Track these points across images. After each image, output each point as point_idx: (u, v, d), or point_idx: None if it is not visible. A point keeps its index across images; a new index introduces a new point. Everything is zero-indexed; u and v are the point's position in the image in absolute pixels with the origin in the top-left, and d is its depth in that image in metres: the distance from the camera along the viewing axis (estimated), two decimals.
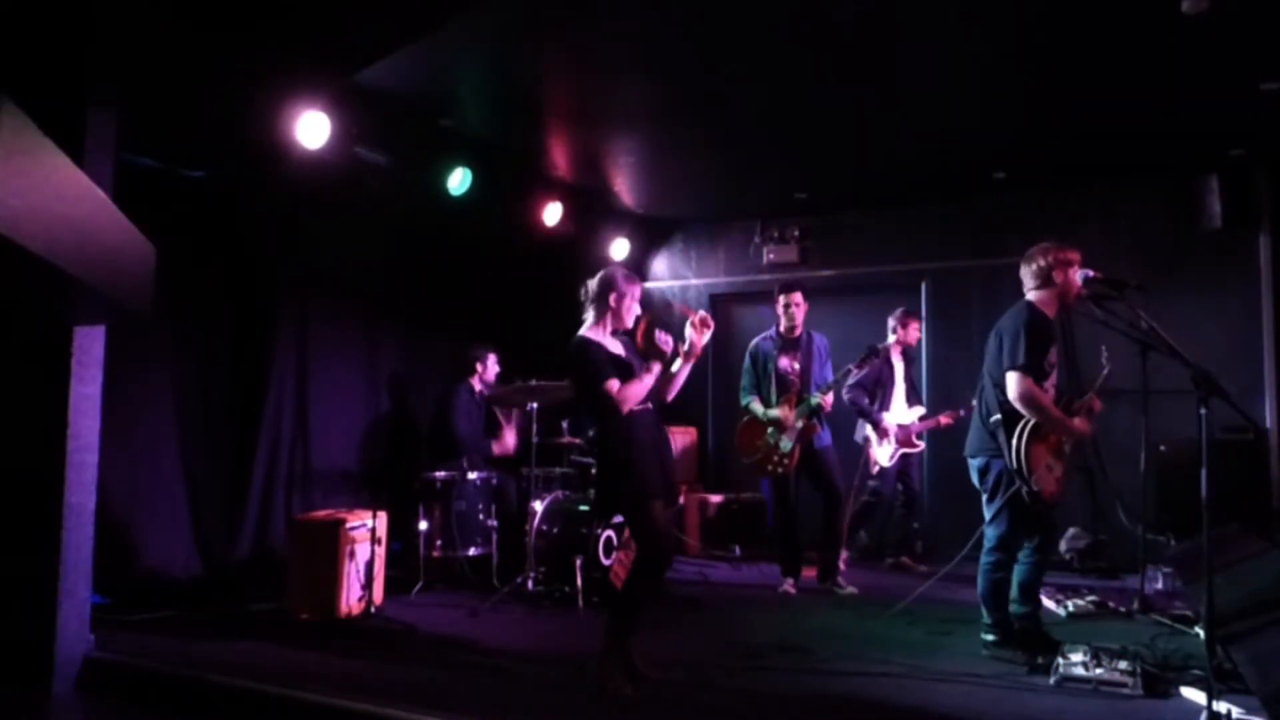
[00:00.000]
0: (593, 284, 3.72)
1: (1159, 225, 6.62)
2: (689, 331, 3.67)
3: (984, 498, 4.01)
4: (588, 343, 3.61)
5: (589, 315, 3.72)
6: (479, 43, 4.50)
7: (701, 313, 3.73)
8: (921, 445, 6.28)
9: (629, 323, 3.72)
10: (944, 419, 6.23)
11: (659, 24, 4.25)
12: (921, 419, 6.27)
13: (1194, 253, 6.46)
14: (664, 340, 3.64)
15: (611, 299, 3.66)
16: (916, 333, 6.38)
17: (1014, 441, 3.77)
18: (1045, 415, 3.76)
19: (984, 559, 3.99)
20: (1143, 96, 5.03)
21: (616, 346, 3.71)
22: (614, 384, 3.50)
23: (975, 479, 4.05)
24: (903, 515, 6.50)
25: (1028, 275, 4.01)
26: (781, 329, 5.68)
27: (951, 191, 7.09)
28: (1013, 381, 3.76)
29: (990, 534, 3.97)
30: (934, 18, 4.12)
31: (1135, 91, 4.96)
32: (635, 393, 3.52)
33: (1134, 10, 3.97)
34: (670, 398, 3.77)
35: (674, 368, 3.71)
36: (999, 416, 3.85)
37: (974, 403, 4.17)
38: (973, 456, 4.04)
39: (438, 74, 4.83)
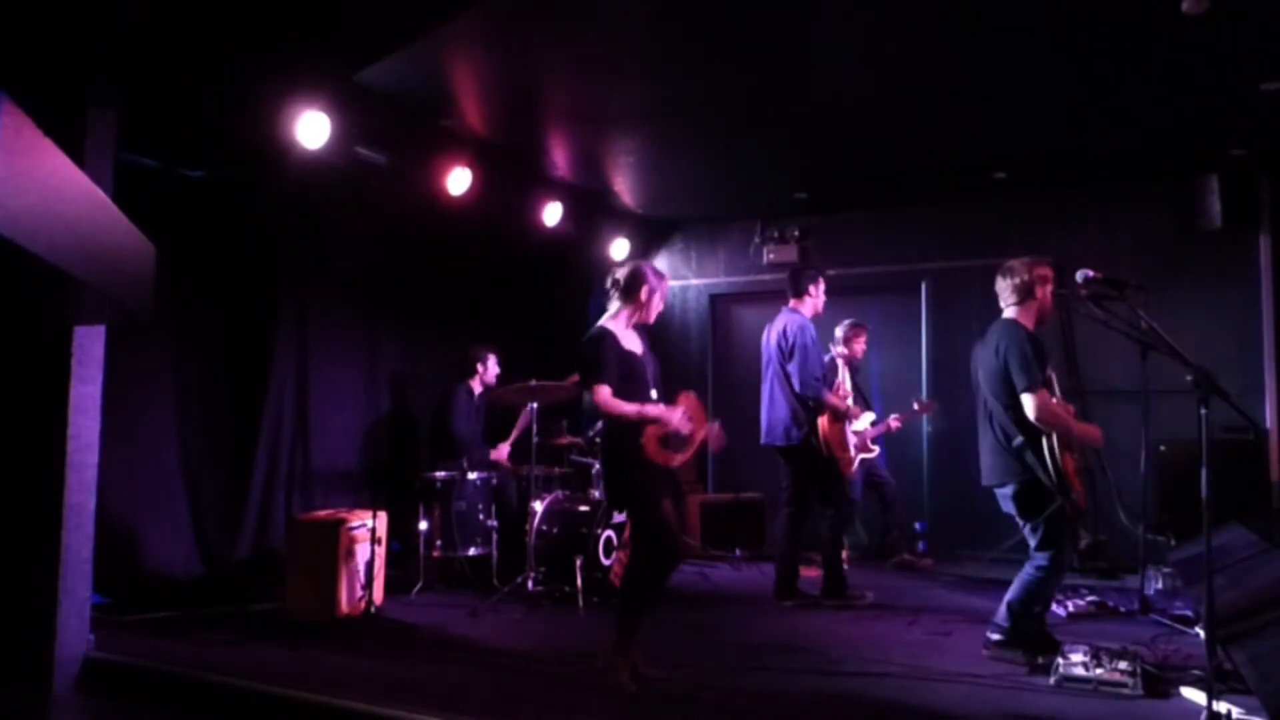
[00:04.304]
0: (622, 275, 3.75)
1: (1159, 225, 6.63)
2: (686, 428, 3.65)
3: (1026, 525, 3.85)
4: (604, 335, 3.64)
5: (613, 305, 3.75)
6: (479, 43, 4.50)
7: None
8: (876, 450, 6.20)
9: (652, 318, 3.78)
10: (893, 422, 6.26)
11: (659, 24, 4.25)
12: (873, 424, 6.23)
13: (1194, 253, 6.47)
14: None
15: (642, 293, 3.71)
16: (863, 346, 6.29)
17: (1047, 457, 3.69)
18: (1066, 428, 3.72)
19: (1034, 572, 3.83)
20: (1143, 96, 5.03)
21: (633, 341, 3.72)
22: (605, 390, 3.51)
23: (1008, 506, 3.89)
24: (885, 513, 6.48)
25: (1008, 289, 3.97)
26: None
27: (951, 191, 7.09)
28: (1030, 403, 3.68)
29: (1042, 557, 3.80)
30: (934, 18, 4.12)
31: (1135, 91, 4.96)
32: (616, 409, 3.52)
33: (1134, 10, 3.98)
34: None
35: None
36: (1021, 439, 3.76)
37: (979, 432, 4.07)
38: (1001, 485, 3.89)
39: (438, 74, 4.83)
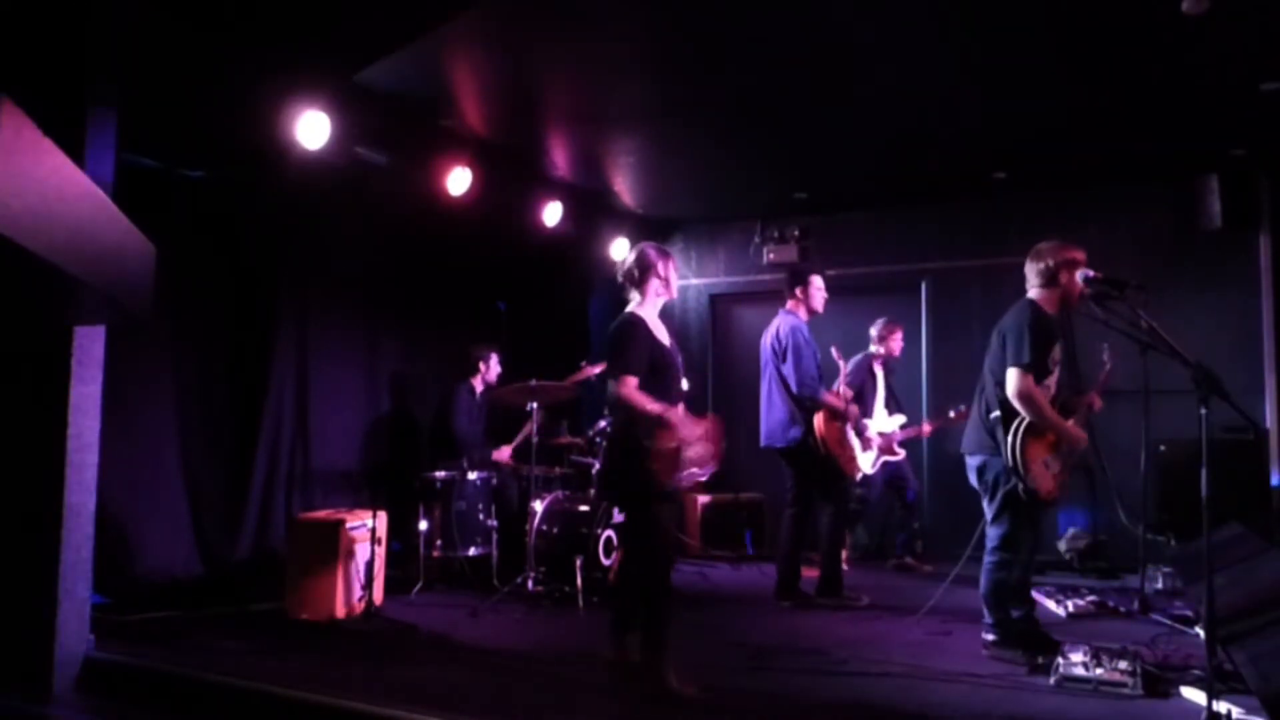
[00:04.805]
0: (630, 264, 3.68)
1: (1159, 225, 6.63)
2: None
3: (984, 498, 4.01)
4: (637, 322, 3.56)
5: (634, 295, 3.68)
6: (479, 43, 4.50)
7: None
8: (902, 454, 6.19)
9: (675, 292, 3.73)
10: (925, 427, 6.23)
11: (659, 24, 4.25)
12: (902, 428, 6.23)
13: (1194, 253, 6.47)
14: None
15: (657, 270, 3.64)
16: (899, 343, 6.32)
17: (1009, 438, 3.77)
18: (1041, 415, 3.76)
19: (987, 558, 3.99)
20: (1143, 96, 5.03)
21: (662, 332, 3.67)
22: (633, 381, 3.40)
23: (973, 478, 4.05)
24: (904, 517, 6.48)
25: (1033, 273, 3.99)
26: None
27: (951, 191, 7.09)
28: (1013, 378, 3.76)
29: (992, 534, 3.97)
30: (935, 19, 4.12)
31: (1135, 92, 4.96)
32: (639, 403, 3.40)
33: (1134, 10, 3.98)
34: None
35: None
36: (998, 414, 3.86)
37: (972, 404, 4.17)
38: (970, 454, 4.04)
39: (438, 74, 4.83)
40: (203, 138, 4.72)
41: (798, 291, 5.32)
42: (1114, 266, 4.13)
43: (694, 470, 3.44)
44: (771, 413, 5.23)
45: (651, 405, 3.39)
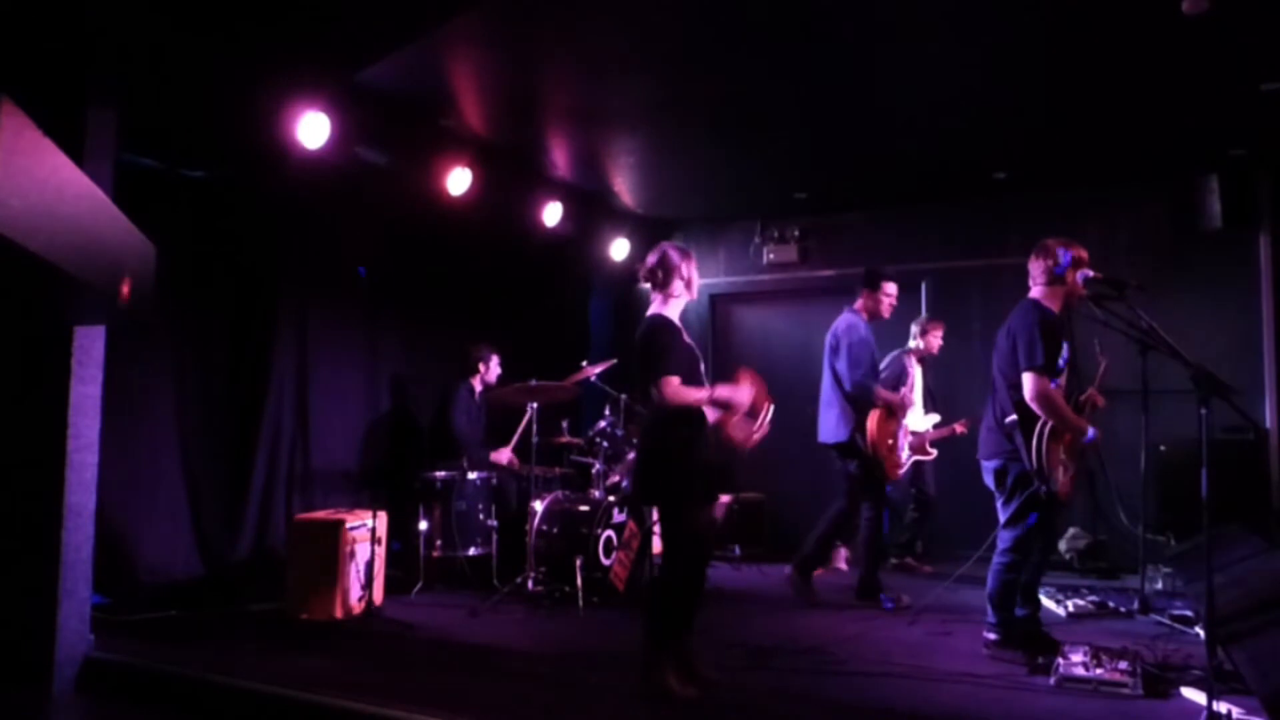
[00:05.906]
0: (654, 265, 3.62)
1: (1159, 225, 6.63)
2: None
3: (999, 500, 3.98)
4: (668, 324, 3.54)
5: (656, 296, 3.64)
6: (479, 43, 4.50)
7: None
8: (934, 453, 6.18)
9: (696, 294, 3.69)
10: (959, 427, 6.20)
11: (659, 24, 4.25)
12: (936, 427, 6.23)
13: (1194, 253, 6.47)
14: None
15: (681, 271, 3.59)
16: (939, 340, 6.28)
17: (1033, 442, 3.75)
18: (1060, 416, 3.75)
19: (997, 559, 3.96)
20: (1143, 96, 5.04)
21: (687, 335, 3.65)
22: (676, 380, 3.39)
23: (990, 481, 4.02)
24: (916, 519, 6.46)
25: (1039, 270, 3.97)
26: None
27: (951, 191, 7.09)
28: (1029, 382, 3.74)
29: (1006, 536, 3.94)
30: (934, 18, 4.12)
31: (1135, 92, 4.96)
32: (687, 398, 3.40)
33: (1134, 10, 3.98)
34: None
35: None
36: (1015, 418, 3.83)
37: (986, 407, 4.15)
38: (987, 459, 4.01)
39: (438, 74, 4.83)
40: (203, 138, 4.72)
41: (866, 293, 5.33)
42: (1114, 266, 4.13)
43: (761, 426, 3.53)
44: (826, 409, 5.28)
45: (699, 393, 3.43)
